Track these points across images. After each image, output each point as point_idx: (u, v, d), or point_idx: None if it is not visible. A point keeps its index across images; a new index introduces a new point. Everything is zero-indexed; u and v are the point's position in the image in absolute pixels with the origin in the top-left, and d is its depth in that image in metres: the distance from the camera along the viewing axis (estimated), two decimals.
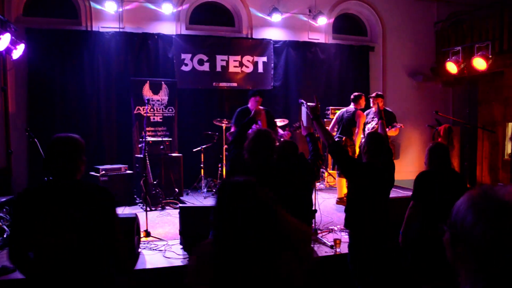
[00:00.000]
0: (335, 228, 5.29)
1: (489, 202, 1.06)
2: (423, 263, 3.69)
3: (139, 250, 4.24)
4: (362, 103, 6.88)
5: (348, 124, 6.77)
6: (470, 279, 1.06)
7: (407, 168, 9.48)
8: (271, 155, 3.25)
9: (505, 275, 1.00)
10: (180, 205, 4.50)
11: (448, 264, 1.17)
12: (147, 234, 4.79)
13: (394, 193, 7.49)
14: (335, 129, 7.15)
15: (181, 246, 4.37)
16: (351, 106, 6.88)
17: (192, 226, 4.16)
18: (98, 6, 7.96)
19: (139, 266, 3.78)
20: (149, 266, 3.89)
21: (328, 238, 4.81)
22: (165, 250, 4.29)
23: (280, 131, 6.32)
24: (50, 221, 2.08)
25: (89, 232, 2.12)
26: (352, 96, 6.96)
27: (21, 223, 2.12)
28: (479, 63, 6.51)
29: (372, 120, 6.91)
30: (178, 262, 3.98)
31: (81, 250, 2.12)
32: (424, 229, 3.68)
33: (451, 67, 6.92)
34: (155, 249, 4.36)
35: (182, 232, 4.28)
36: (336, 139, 6.78)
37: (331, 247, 4.49)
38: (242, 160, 3.25)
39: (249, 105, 6.06)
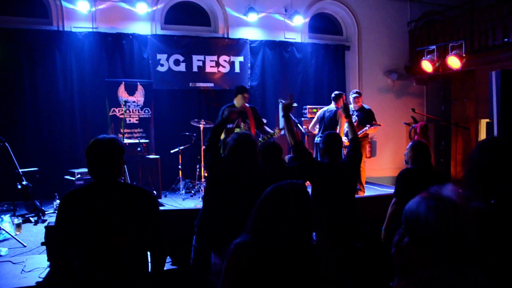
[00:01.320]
0: None
1: (440, 201, 1.32)
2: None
3: None
4: (343, 102, 6.92)
5: (330, 124, 6.79)
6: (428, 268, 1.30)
7: (384, 165, 9.64)
8: (255, 158, 3.11)
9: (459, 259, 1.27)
10: (161, 208, 4.38)
11: None
12: None
13: (372, 191, 7.60)
14: (316, 128, 7.18)
15: None
16: (332, 105, 6.92)
17: (173, 230, 4.07)
18: (70, 5, 7.74)
19: None
20: None
21: None
22: None
23: (267, 128, 6.24)
24: (98, 222, 2.14)
25: (136, 232, 2.20)
26: (333, 95, 7.00)
27: (66, 224, 2.18)
28: (454, 62, 6.66)
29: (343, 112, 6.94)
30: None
31: (129, 249, 2.19)
32: None
33: (426, 66, 7.06)
34: None
35: None
36: (318, 138, 6.82)
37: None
38: (222, 166, 3.11)
39: (235, 102, 5.94)
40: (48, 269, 3.64)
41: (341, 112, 6.65)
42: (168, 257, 4.10)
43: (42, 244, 4.02)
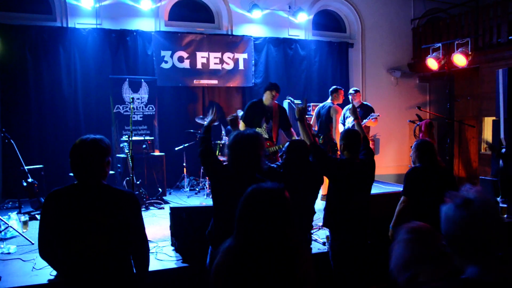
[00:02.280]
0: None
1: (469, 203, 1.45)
2: None
3: None
4: (340, 97, 6.87)
5: (326, 121, 6.73)
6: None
7: (387, 163, 9.64)
8: (257, 160, 2.80)
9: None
10: (171, 205, 4.39)
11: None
12: None
13: (376, 189, 7.59)
14: (316, 126, 7.17)
15: (173, 248, 4.27)
16: (328, 101, 6.88)
17: (184, 227, 4.07)
18: (74, 2, 7.70)
19: None
20: None
21: (319, 235, 4.82)
22: (156, 252, 4.18)
23: (293, 131, 5.71)
24: (79, 224, 2.14)
25: (117, 235, 2.20)
26: (330, 90, 6.98)
27: (49, 223, 2.19)
28: (459, 60, 6.65)
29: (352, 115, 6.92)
30: (172, 265, 3.89)
31: (110, 252, 2.19)
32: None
33: (432, 63, 7.05)
34: None
35: (174, 233, 4.19)
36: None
37: (324, 243, 4.50)
38: (226, 171, 2.90)
39: (263, 98, 5.57)
40: None
41: (336, 108, 6.66)
42: (178, 254, 4.09)
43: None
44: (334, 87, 6.98)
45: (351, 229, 3.45)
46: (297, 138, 5.65)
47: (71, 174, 6.72)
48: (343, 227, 3.47)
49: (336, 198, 3.50)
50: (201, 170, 7.73)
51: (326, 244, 4.42)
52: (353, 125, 6.72)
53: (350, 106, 6.87)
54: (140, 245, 2.33)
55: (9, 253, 4.30)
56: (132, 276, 2.32)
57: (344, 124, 6.93)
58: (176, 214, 4.17)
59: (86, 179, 2.20)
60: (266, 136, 5.57)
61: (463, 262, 1.42)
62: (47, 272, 3.59)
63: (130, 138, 5.63)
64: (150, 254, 2.43)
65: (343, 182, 3.46)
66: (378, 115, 6.70)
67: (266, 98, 5.54)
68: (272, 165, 3.62)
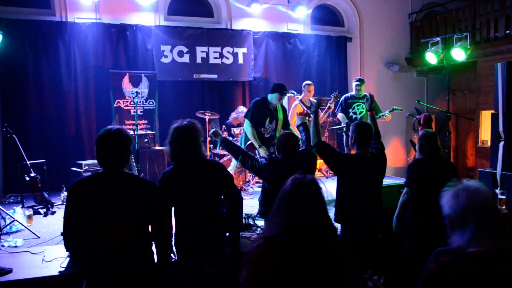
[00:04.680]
0: None
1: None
2: (419, 248, 3.79)
3: None
4: (307, 92, 7.21)
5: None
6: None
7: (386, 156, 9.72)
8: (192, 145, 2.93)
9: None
10: None
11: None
12: None
13: None
14: None
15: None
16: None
17: None
18: None
19: None
20: None
21: None
22: None
23: (293, 129, 5.86)
24: (105, 211, 2.21)
25: (140, 222, 2.27)
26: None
27: (74, 212, 2.25)
28: (458, 54, 6.72)
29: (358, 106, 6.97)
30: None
31: (134, 239, 2.26)
32: (419, 214, 3.79)
33: (431, 58, 7.11)
34: None
35: None
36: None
37: None
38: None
39: (269, 98, 5.60)
40: (68, 259, 3.67)
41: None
42: None
43: (62, 234, 4.04)
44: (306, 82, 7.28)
45: (363, 223, 3.46)
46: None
47: (73, 168, 6.73)
48: (355, 222, 3.48)
49: (348, 193, 3.49)
50: None
51: None
52: (361, 118, 6.76)
53: (349, 94, 6.97)
54: (161, 233, 2.39)
55: (16, 247, 4.32)
56: (153, 265, 2.38)
57: (344, 113, 6.95)
58: None
59: (112, 167, 2.30)
60: (267, 135, 5.64)
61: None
62: (58, 264, 3.63)
63: (136, 132, 5.65)
64: (169, 242, 2.51)
65: (354, 177, 3.45)
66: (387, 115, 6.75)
67: (274, 99, 5.54)
68: (261, 159, 3.67)
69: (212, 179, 2.84)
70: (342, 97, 7.04)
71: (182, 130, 2.83)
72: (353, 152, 3.62)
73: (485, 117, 8.49)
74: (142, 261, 2.32)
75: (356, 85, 6.91)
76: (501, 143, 5.70)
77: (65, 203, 2.34)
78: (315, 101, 3.99)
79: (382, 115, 6.73)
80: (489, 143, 6.77)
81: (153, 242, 2.44)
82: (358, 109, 6.90)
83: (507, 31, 7.92)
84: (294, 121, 6.40)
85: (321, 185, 1.83)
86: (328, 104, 6.82)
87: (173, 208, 2.91)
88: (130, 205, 2.24)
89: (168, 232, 2.46)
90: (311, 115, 5.27)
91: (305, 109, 6.73)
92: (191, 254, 2.82)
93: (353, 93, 7.01)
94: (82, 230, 2.24)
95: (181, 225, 2.85)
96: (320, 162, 8.02)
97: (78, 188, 2.27)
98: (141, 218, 2.28)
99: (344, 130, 6.79)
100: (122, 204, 2.23)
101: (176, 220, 2.88)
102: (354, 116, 6.89)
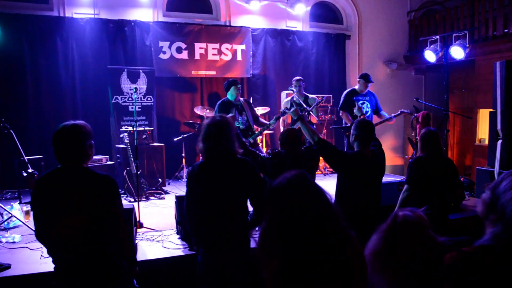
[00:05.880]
0: None
1: None
2: None
3: (136, 241, 4.17)
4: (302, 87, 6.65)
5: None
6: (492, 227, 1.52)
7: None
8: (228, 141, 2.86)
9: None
10: (177, 195, 4.43)
11: None
12: (140, 225, 4.71)
13: None
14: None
15: (178, 236, 4.33)
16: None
17: None
18: None
19: (140, 257, 3.71)
20: (150, 257, 3.83)
21: None
22: (162, 241, 4.23)
23: (262, 120, 6.24)
24: (60, 205, 2.25)
25: (95, 217, 2.28)
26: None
27: (37, 206, 2.33)
28: (457, 52, 6.73)
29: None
30: (179, 252, 3.94)
31: (89, 235, 2.28)
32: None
33: (430, 56, 7.11)
34: (152, 240, 4.30)
35: (180, 222, 4.23)
36: None
37: None
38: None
39: (229, 97, 5.98)
40: None
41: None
42: (184, 242, 4.14)
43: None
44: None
45: (362, 222, 3.45)
46: (266, 122, 5.84)
47: None
48: (354, 220, 3.46)
49: (347, 191, 3.49)
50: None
51: None
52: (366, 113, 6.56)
53: (350, 90, 6.78)
54: (115, 229, 2.39)
55: (14, 242, 4.31)
56: (118, 263, 2.40)
57: (346, 110, 6.57)
58: (182, 203, 4.20)
59: (66, 162, 2.33)
60: (243, 127, 5.91)
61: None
62: None
63: (135, 128, 5.64)
64: (124, 240, 2.46)
65: (354, 176, 3.45)
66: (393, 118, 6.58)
67: (233, 94, 5.91)
68: (263, 154, 3.68)
69: (238, 177, 2.77)
70: (344, 93, 6.73)
71: (215, 127, 2.80)
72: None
73: (483, 115, 8.52)
74: (101, 258, 2.33)
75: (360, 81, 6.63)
76: (499, 142, 5.72)
77: (30, 198, 2.42)
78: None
79: (388, 119, 6.51)
80: (487, 142, 6.79)
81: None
82: (363, 107, 6.52)
83: (506, 30, 7.92)
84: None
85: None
86: (310, 108, 6.21)
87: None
88: (83, 199, 2.26)
89: (123, 227, 2.43)
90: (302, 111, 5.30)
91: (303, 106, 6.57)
92: (209, 247, 2.79)
93: (356, 87, 6.67)
94: (45, 224, 2.31)
95: (201, 218, 2.79)
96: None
97: (40, 182, 2.34)
98: (95, 213, 2.29)
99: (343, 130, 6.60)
100: (77, 199, 2.25)
101: (198, 213, 2.81)
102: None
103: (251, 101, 6.78)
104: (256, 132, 5.85)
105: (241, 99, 6.07)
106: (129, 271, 2.45)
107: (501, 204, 1.50)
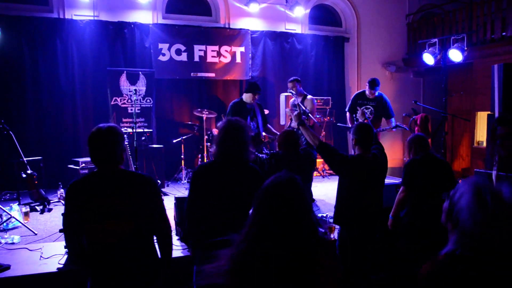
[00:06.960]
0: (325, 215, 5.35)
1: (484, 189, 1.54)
2: (415, 246, 3.82)
3: None
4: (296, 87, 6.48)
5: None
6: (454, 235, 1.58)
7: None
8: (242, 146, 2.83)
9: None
10: (176, 196, 4.44)
11: (438, 246, 1.67)
12: None
13: None
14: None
15: (177, 237, 4.33)
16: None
17: None
18: None
19: None
20: None
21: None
22: None
23: (271, 128, 6.11)
24: (101, 210, 2.19)
25: (139, 218, 2.25)
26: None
27: (73, 213, 2.25)
28: (455, 55, 6.77)
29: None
30: (179, 253, 3.95)
31: (134, 236, 2.24)
32: (414, 212, 3.83)
33: (428, 58, 7.15)
34: None
35: (179, 223, 4.24)
36: None
37: (325, 233, 4.57)
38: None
39: (243, 97, 5.76)
40: (66, 256, 3.67)
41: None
42: (183, 244, 4.15)
43: (60, 231, 4.05)
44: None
45: (363, 224, 3.46)
46: (274, 131, 5.85)
47: (70, 166, 6.73)
48: (355, 223, 3.47)
49: (348, 194, 3.48)
50: (199, 163, 7.78)
51: (328, 234, 4.51)
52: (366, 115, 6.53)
53: (359, 92, 6.77)
54: (163, 227, 2.39)
55: (13, 243, 4.32)
56: (157, 260, 2.38)
57: (352, 112, 6.58)
58: (181, 205, 4.22)
59: (105, 165, 2.27)
60: (252, 134, 5.65)
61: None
62: (56, 261, 3.63)
63: (134, 130, 5.66)
64: (170, 237, 2.46)
65: (355, 178, 3.44)
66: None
67: (247, 98, 5.67)
68: (261, 155, 3.69)
69: (245, 185, 2.74)
70: (353, 95, 6.74)
71: (232, 130, 2.76)
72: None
73: (481, 118, 8.55)
74: (143, 258, 2.31)
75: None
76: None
77: (64, 203, 2.35)
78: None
79: (384, 129, 6.49)
80: (484, 144, 6.82)
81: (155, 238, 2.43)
82: (366, 112, 6.48)
83: (503, 33, 7.97)
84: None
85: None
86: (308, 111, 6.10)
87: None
88: (127, 202, 2.22)
89: (169, 227, 2.42)
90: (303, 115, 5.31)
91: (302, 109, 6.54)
92: (205, 247, 2.75)
93: (366, 90, 6.60)
94: (80, 230, 2.25)
95: (201, 217, 2.78)
96: (317, 161, 8.06)
97: (74, 189, 2.27)
98: (140, 214, 2.26)
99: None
100: (119, 202, 2.21)
101: (199, 212, 2.80)
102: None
103: None
104: (265, 141, 5.74)
105: (255, 103, 5.86)
106: (164, 271, 2.42)
107: (455, 212, 1.58)
